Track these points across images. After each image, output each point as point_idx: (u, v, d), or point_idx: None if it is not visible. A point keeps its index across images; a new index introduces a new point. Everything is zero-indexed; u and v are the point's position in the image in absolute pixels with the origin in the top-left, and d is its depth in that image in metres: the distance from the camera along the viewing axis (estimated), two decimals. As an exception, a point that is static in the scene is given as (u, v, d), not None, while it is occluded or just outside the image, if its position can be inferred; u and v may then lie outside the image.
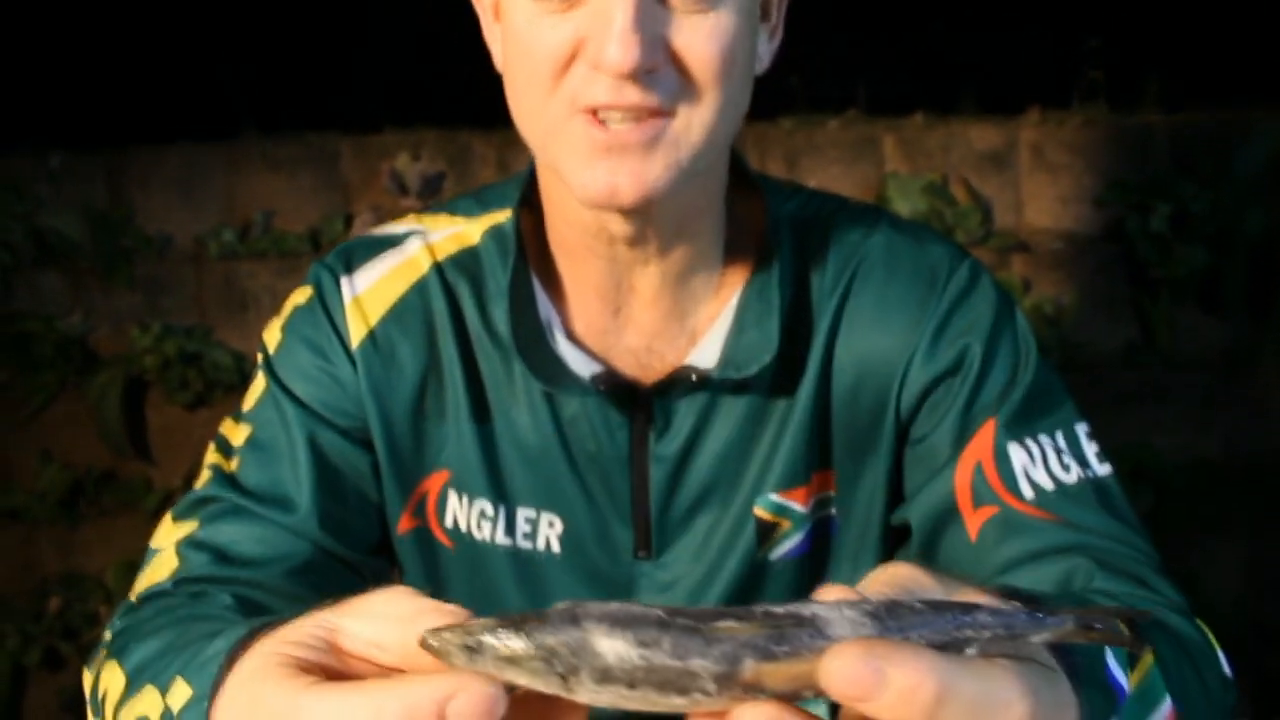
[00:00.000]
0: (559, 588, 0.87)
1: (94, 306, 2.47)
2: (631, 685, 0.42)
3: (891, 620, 0.43)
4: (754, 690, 0.42)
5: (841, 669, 0.40)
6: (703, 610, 0.42)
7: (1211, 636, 0.73)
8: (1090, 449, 0.82)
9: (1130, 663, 0.59)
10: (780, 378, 0.84)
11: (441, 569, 0.88)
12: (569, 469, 0.85)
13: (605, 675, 0.42)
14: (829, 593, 0.46)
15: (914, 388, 0.84)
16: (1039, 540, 0.77)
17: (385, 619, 0.49)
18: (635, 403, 0.84)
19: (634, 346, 0.85)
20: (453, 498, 0.86)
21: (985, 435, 0.81)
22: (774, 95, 2.12)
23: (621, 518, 0.86)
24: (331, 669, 0.48)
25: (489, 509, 0.86)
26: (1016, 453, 0.80)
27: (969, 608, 0.44)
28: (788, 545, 0.87)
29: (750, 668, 0.41)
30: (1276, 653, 2.16)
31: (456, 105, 2.39)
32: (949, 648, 0.43)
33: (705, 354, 0.84)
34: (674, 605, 0.45)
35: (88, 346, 2.46)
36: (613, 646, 0.41)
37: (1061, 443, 0.81)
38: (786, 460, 0.85)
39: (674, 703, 0.42)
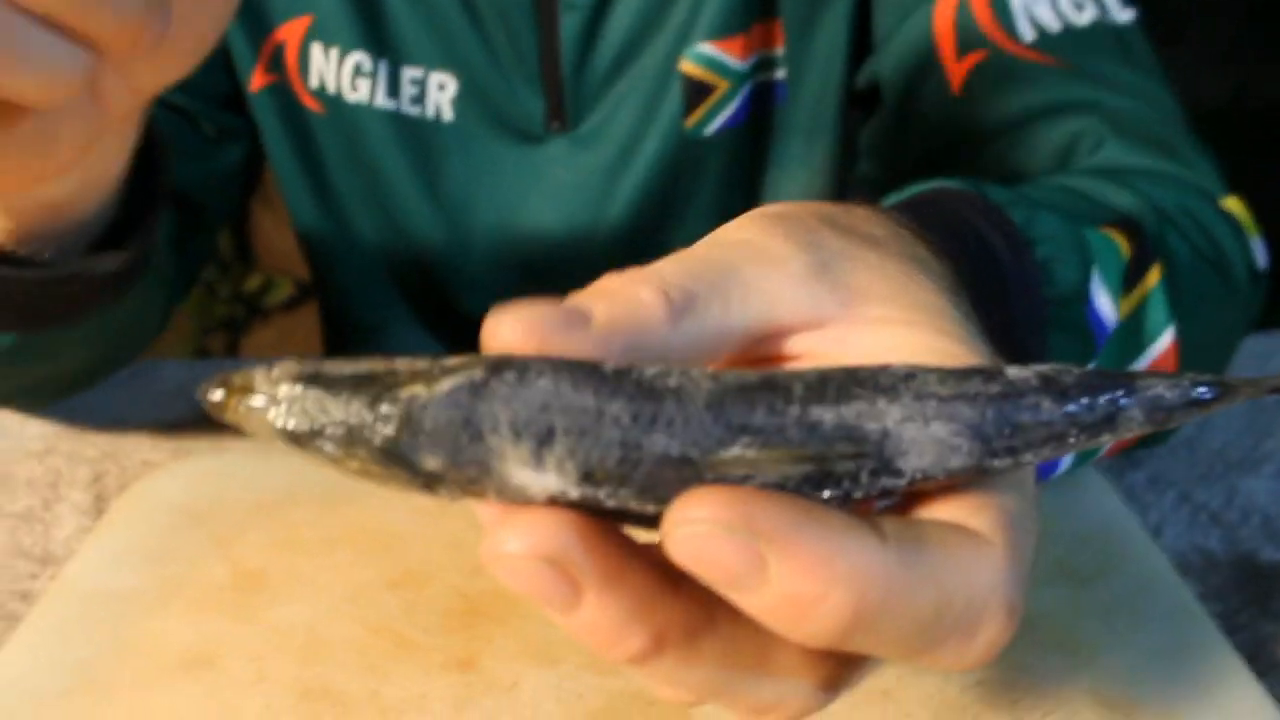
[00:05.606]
0: (453, 164, 0.72)
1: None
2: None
3: (1001, 423, 0.24)
4: None
5: (692, 539, 0.21)
6: (694, 410, 0.23)
7: (1245, 218, 0.58)
8: None
9: (1132, 279, 0.45)
10: None
11: (310, 137, 0.73)
12: (465, 18, 0.69)
13: (524, 500, 0.23)
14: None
15: None
16: (1039, 92, 0.61)
17: None
18: None
19: None
20: (317, 52, 0.70)
21: None
22: None
23: (529, 80, 0.70)
24: None
25: (366, 63, 0.69)
26: None
27: (1122, 379, 0.25)
28: (722, 115, 0.71)
29: None
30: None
31: None
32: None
33: None
34: (627, 369, 0.23)
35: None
36: (541, 481, 0.22)
37: None
38: (720, 2, 0.68)
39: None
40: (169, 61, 0.36)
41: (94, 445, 0.63)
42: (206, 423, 0.64)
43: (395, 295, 0.78)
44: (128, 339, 0.59)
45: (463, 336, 0.79)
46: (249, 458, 0.57)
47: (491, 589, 0.46)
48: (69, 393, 0.62)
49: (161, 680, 0.42)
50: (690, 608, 0.23)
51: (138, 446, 0.62)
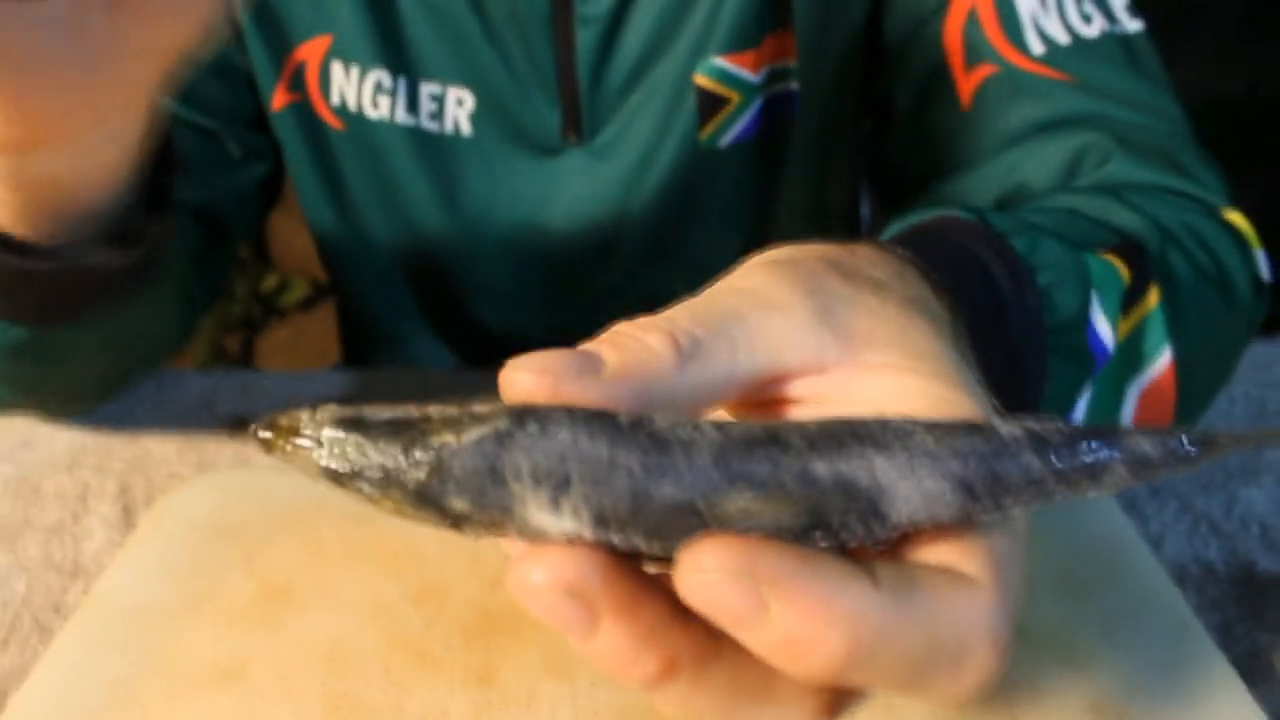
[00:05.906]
0: (471, 177, 0.74)
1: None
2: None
3: (988, 480, 0.25)
4: None
5: (701, 584, 0.23)
6: (700, 462, 0.24)
7: (1248, 231, 0.59)
8: (1118, 0, 0.66)
9: (1130, 302, 0.46)
10: None
11: (331, 154, 0.74)
12: (482, 34, 0.70)
13: (544, 540, 0.26)
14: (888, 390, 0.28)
15: None
16: (1047, 106, 0.62)
17: None
18: None
19: None
20: (338, 70, 0.71)
21: None
22: None
23: (545, 94, 0.71)
24: None
25: (386, 80, 0.71)
26: None
27: (1106, 434, 0.26)
28: (736, 127, 0.72)
29: None
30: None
31: None
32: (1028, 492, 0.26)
33: None
34: (644, 420, 0.25)
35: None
36: (558, 525, 0.25)
37: None
38: (734, 15, 0.68)
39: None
40: (179, 16, 0.36)
41: (120, 458, 0.64)
42: (229, 435, 0.66)
43: (412, 306, 0.80)
44: (143, 346, 0.61)
45: (478, 346, 0.81)
46: (273, 473, 0.58)
47: (509, 604, 0.48)
48: (92, 400, 0.64)
49: (192, 694, 0.44)
50: (699, 637, 0.24)
51: (163, 459, 0.64)
